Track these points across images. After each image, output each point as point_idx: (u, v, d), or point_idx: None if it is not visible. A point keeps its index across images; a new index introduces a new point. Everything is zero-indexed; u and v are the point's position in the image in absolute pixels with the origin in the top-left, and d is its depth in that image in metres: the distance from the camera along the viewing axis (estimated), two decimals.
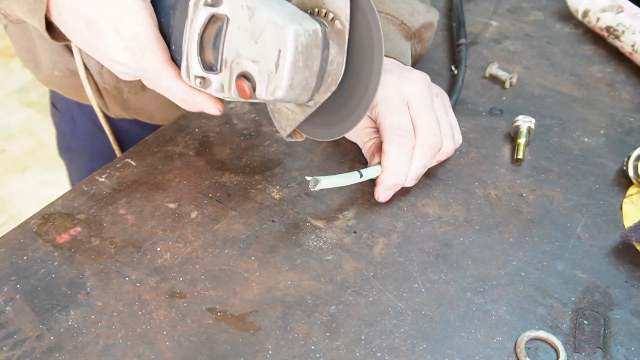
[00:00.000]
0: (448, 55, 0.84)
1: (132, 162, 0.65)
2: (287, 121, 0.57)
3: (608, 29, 0.84)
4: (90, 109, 0.86)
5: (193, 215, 0.59)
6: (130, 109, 0.85)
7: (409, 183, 0.61)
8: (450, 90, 0.75)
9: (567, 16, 0.93)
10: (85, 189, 0.62)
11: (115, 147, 0.86)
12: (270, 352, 0.48)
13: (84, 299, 0.52)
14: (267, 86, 0.48)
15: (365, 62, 0.52)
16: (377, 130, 0.61)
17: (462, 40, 0.81)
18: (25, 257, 0.55)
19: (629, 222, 0.60)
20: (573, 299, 0.53)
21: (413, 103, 0.60)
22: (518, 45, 0.87)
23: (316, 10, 0.52)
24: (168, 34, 0.54)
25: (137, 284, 0.53)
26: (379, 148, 0.61)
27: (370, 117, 0.62)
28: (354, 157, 0.66)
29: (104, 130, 0.85)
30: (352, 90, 0.54)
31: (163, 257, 0.55)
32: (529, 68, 0.82)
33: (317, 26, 0.49)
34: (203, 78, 0.52)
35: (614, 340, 0.50)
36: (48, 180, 2.15)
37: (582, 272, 0.55)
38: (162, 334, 0.49)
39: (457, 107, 0.74)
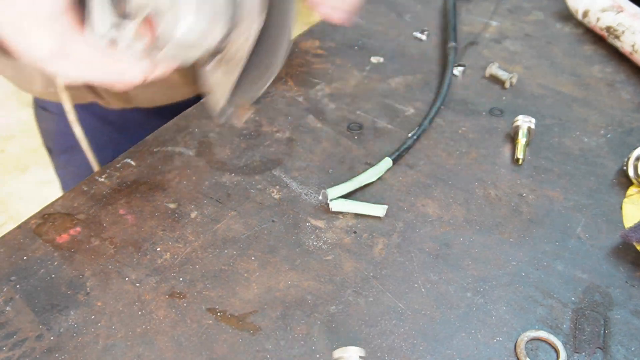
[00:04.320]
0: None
1: (132, 162, 0.65)
2: (220, 88, 0.54)
3: (608, 29, 0.84)
4: (89, 103, 0.86)
5: (193, 215, 0.59)
6: (132, 102, 0.85)
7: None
8: (437, 93, 0.75)
9: (567, 16, 0.93)
10: (85, 189, 0.62)
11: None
12: (270, 352, 0.48)
13: (84, 299, 0.52)
14: (175, 21, 0.44)
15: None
16: None
17: (452, 44, 0.81)
18: (25, 257, 0.55)
19: (629, 222, 0.60)
20: (573, 299, 0.53)
21: None
22: (518, 45, 0.87)
23: None
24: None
25: (137, 284, 0.53)
26: None
27: None
28: (354, 157, 0.66)
29: (107, 121, 0.85)
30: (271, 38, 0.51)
31: (163, 257, 0.55)
32: (529, 68, 0.82)
33: None
34: (113, 37, 0.46)
35: (614, 340, 0.50)
36: (48, 180, 2.15)
37: (582, 272, 0.55)
38: (162, 334, 0.49)
39: (457, 107, 0.74)
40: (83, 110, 0.90)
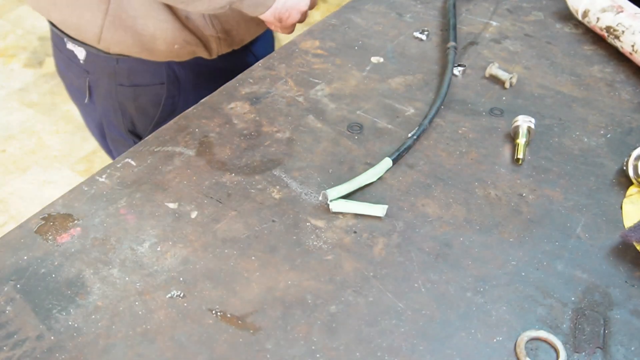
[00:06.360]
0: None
1: (132, 162, 0.65)
2: None
3: (608, 29, 0.84)
4: (188, 60, 0.92)
5: (193, 215, 0.59)
6: (233, 44, 0.92)
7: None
8: (437, 93, 0.75)
9: (567, 16, 0.93)
10: (86, 189, 0.62)
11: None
12: (270, 352, 0.48)
13: (84, 299, 0.52)
14: None
15: None
16: None
17: (451, 44, 0.81)
18: (25, 257, 0.55)
19: (629, 222, 0.60)
20: (573, 298, 0.53)
21: None
22: (518, 46, 0.87)
23: None
24: None
25: (137, 284, 0.53)
26: None
27: None
28: (354, 157, 0.66)
29: (202, 74, 0.94)
30: None
31: (163, 257, 0.55)
32: (529, 68, 0.82)
33: None
34: None
35: (613, 340, 0.50)
36: (48, 181, 2.15)
37: (582, 272, 0.55)
38: (163, 333, 0.49)
39: (457, 107, 0.74)
40: (183, 69, 0.95)
